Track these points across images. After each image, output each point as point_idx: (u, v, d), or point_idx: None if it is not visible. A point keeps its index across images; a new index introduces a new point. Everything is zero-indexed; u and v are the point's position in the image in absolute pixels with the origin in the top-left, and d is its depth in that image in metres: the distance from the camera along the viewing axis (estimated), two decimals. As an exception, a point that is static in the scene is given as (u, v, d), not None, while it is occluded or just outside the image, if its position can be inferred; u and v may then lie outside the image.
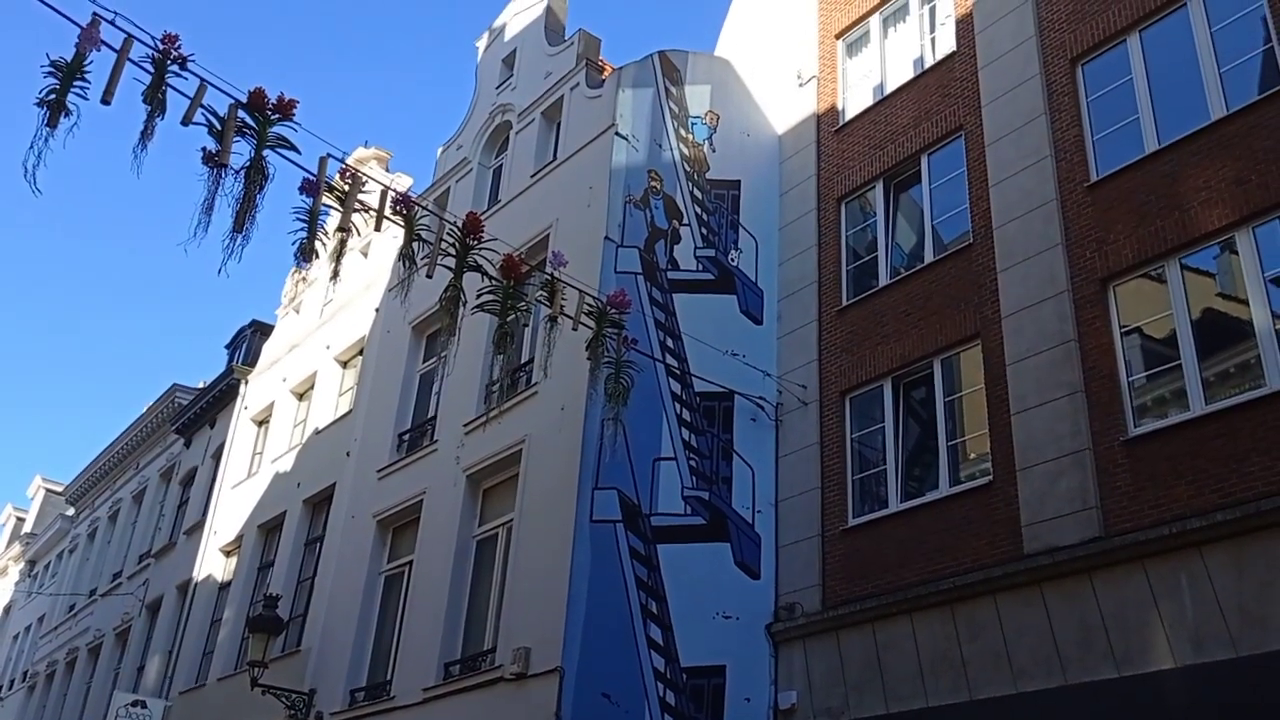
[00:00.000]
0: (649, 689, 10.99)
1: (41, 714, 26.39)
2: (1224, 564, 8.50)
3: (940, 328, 11.78)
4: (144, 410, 27.01)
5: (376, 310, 17.73)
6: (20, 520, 38.79)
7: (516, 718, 10.70)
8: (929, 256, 12.40)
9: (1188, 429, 9.17)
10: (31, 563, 34.19)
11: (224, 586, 19.14)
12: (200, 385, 24.70)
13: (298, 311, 21.84)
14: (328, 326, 19.58)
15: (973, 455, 11.25)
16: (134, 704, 17.97)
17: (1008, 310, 11.02)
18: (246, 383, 22.20)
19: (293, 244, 7.45)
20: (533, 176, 15.15)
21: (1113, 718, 8.71)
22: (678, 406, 12.59)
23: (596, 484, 11.53)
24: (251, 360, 23.03)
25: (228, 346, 26.10)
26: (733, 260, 14.02)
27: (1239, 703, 8.06)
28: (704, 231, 13.86)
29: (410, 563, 14.08)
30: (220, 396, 23.01)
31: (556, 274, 8.81)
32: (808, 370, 13.21)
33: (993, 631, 9.91)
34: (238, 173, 6.98)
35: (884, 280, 12.85)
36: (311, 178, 7.43)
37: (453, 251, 8.19)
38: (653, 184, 13.56)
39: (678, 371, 12.74)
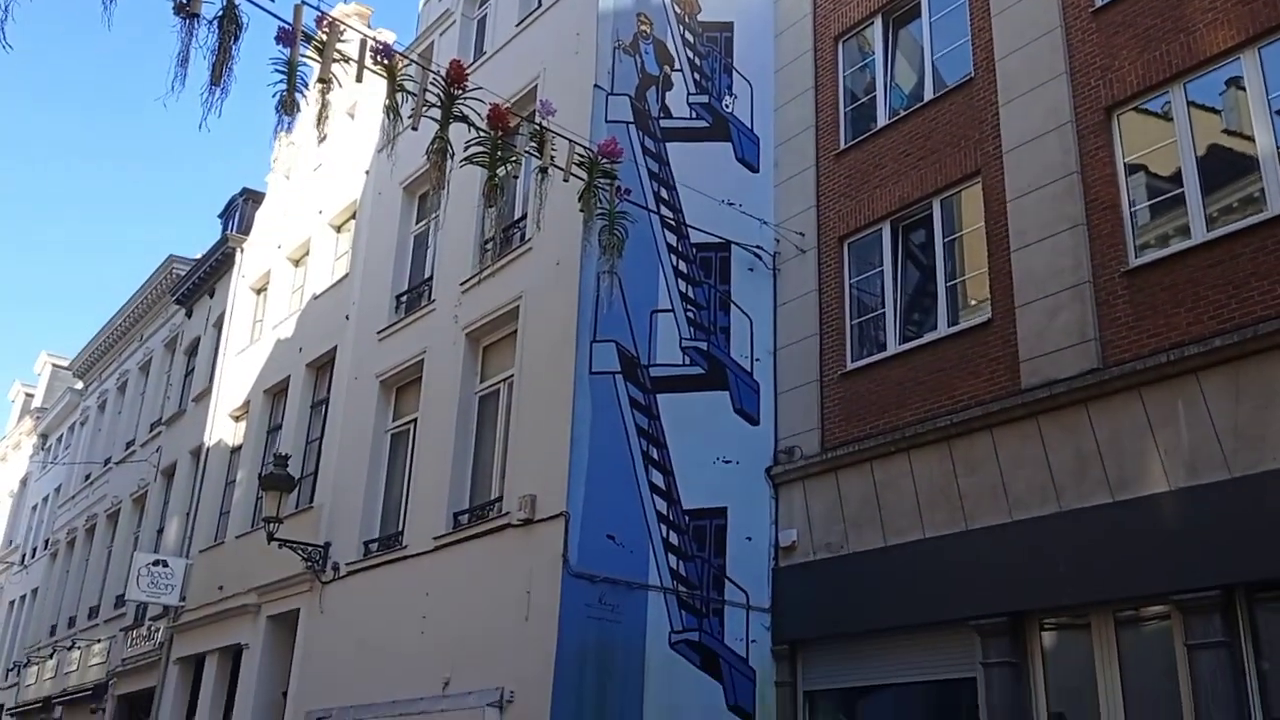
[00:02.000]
0: (652, 530, 11.27)
1: (65, 578, 27.21)
2: (1221, 389, 8.58)
3: (940, 167, 11.62)
4: (143, 282, 26.98)
5: (366, 172, 17.50)
6: (29, 396, 39.19)
7: (525, 561, 10.99)
8: (929, 94, 12.13)
9: (1188, 257, 9.13)
10: (44, 436, 34.69)
11: (235, 450, 19.46)
12: (197, 256, 24.57)
13: (288, 177, 21.58)
14: (319, 191, 19.37)
15: (971, 295, 11.25)
16: (155, 563, 18.52)
17: (1009, 145, 10.84)
18: (242, 251, 22.11)
19: (273, 96, 7.32)
20: (518, 25, 14.72)
21: (1107, 540, 8.94)
22: (674, 258, 12.54)
23: (594, 337, 11.56)
24: (245, 228, 22.90)
25: (221, 216, 25.91)
26: (727, 106, 13.74)
27: (1231, 521, 8.24)
28: (696, 77, 13.55)
29: (414, 420, 14.25)
30: (217, 266, 22.95)
31: (545, 123, 8.65)
32: (805, 217, 13.10)
33: (989, 465, 10.09)
34: (211, 23, 6.77)
35: (883, 121, 12.61)
36: (288, 27, 7.23)
37: (438, 103, 8.03)
38: (642, 28, 13.17)
39: (673, 223, 12.64)
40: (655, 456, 11.59)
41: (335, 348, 16.62)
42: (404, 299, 15.61)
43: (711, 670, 11.30)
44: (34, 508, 33.34)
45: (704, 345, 12.40)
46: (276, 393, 18.46)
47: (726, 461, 12.13)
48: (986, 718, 9.54)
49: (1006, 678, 9.47)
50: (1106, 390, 9.31)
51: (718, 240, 12.78)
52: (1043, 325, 9.98)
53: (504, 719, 10.61)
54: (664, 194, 12.65)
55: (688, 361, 12.24)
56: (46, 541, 29.95)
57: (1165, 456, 8.81)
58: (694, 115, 13.39)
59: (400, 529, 13.74)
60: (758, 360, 12.77)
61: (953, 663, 10.10)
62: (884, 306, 11.97)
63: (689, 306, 12.43)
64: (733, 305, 12.79)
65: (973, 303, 11.21)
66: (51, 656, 25.24)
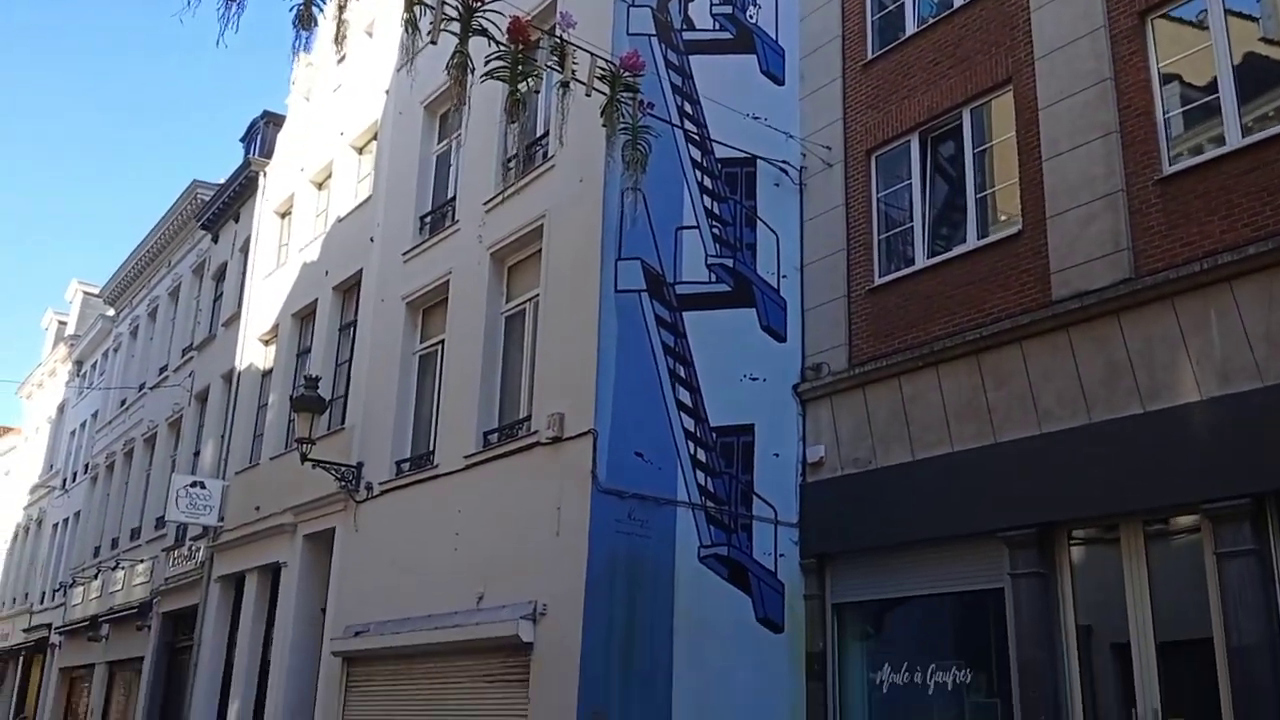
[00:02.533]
0: (680, 447, 11.33)
1: (106, 501, 27.80)
2: (1254, 296, 8.47)
3: (970, 75, 11.37)
4: (169, 208, 27.05)
5: (386, 92, 17.33)
6: (62, 324, 39.60)
7: (554, 478, 11.10)
8: (958, 0, 11.82)
9: (1223, 164, 8.94)
10: (79, 363, 35.16)
11: (266, 374, 19.66)
12: (221, 181, 24.56)
13: (308, 99, 21.44)
14: (339, 112, 19.23)
15: (1001, 206, 11.09)
16: (193, 485, 18.87)
17: (1041, 51, 10.58)
18: (265, 175, 22.08)
19: (290, 10, 7.23)
20: (537, -64, 14.39)
21: (1137, 451, 8.91)
22: (698, 174, 12.40)
23: (619, 255, 11.50)
24: (268, 152, 22.83)
25: (243, 140, 25.80)
26: (751, 17, 13.45)
27: (1262, 429, 8.19)
28: (720, -14, 13.24)
29: (442, 342, 14.32)
30: (240, 190, 22.95)
31: (566, 36, 8.50)
32: (832, 130, 12.89)
33: (1018, 378, 10.04)
34: (225, -65, 6.66)
35: (911, 29, 12.32)
36: (301, -63, 7.10)
37: (456, 16, 7.90)
38: (664, -63, 12.85)
39: (697, 138, 12.47)
40: (682, 374, 11.61)
41: (361, 270, 16.65)
42: (428, 220, 15.58)
43: (740, 583, 11.45)
44: (72, 433, 33.93)
45: (730, 262, 12.32)
46: (304, 316, 18.57)
47: (753, 379, 12.13)
48: (1014, 629, 9.64)
49: (1035, 589, 9.54)
50: (1138, 300, 9.20)
51: (743, 155, 12.62)
52: (1074, 236, 9.84)
53: (537, 630, 10.82)
54: (688, 108, 12.47)
55: (714, 279, 12.18)
56: (86, 466, 30.54)
57: (1197, 366, 8.74)
58: (718, 27, 13.13)
59: (431, 449, 13.89)
60: (784, 277, 12.68)
61: (980, 574, 10.18)
62: (912, 220, 11.82)
63: (714, 223, 12.32)
64: (759, 221, 12.67)
65: (1003, 215, 11.06)
66: (96, 577, 25.91)
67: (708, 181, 12.42)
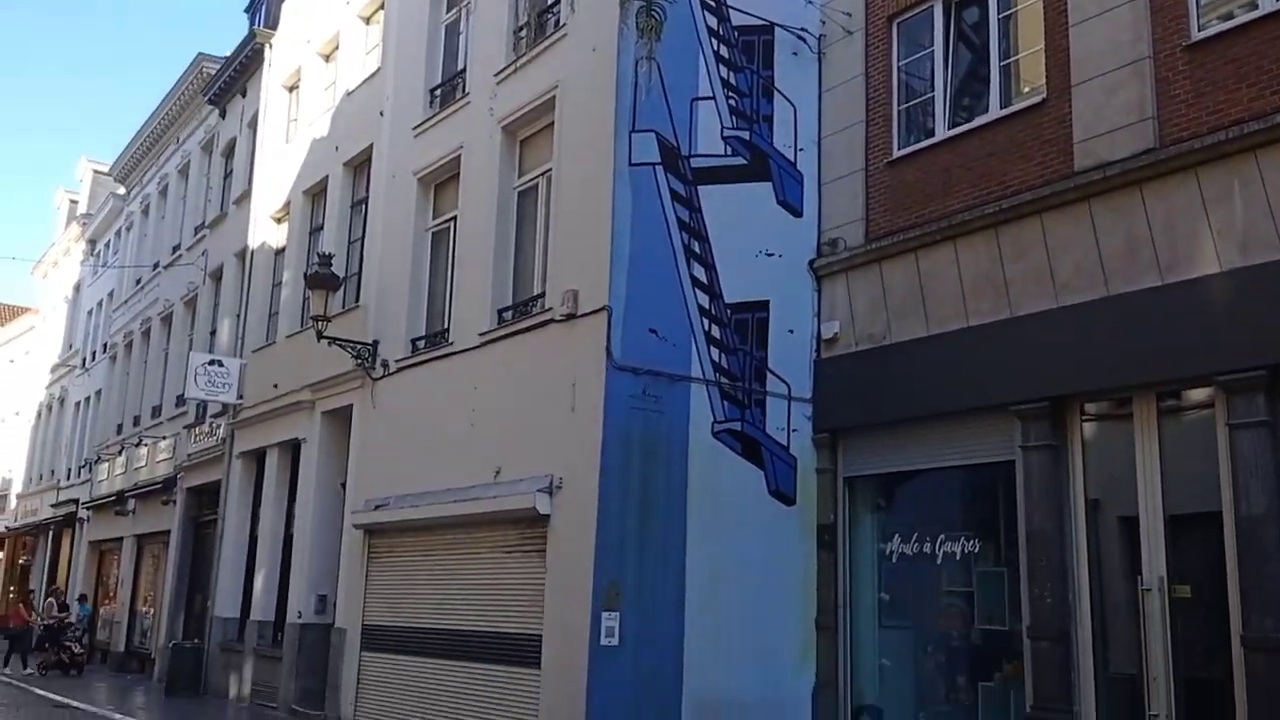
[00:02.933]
0: (694, 324, 11.33)
1: (126, 379, 28.13)
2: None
3: (995, -64, 10.95)
4: (175, 83, 26.63)
5: (394, -43, 16.84)
6: (74, 202, 39.46)
7: (568, 354, 11.15)
8: None
9: (1253, 30, 8.65)
10: (92, 242, 35.14)
11: (279, 252, 19.61)
12: (227, 54, 24.09)
13: (313, -34, 20.82)
14: (346, -20, 18.70)
15: (1025, 75, 10.80)
16: (211, 363, 19.03)
17: (1069, -89, 10.16)
18: (271, 47, 21.62)
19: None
20: None
21: (1154, 323, 8.87)
22: (714, 42, 12.08)
23: (633, 127, 11.30)
24: (273, 23, 22.29)
25: (247, 10, 25.22)
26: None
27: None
28: None
29: (454, 218, 14.22)
30: (247, 64, 22.53)
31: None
32: (852, -5, 12.50)
33: (1037, 251, 9.94)
34: None
35: (934, -113, 11.82)
36: None
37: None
38: None
39: (713, 3, 12.11)
40: (697, 250, 11.53)
41: (371, 145, 16.44)
42: (438, 93, 15.30)
43: (753, 458, 11.59)
44: (89, 313, 34.14)
45: (746, 135, 12.11)
46: (316, 193, 18.43)
47: (769, 254, 12.04)
48: (1023, 500, 9.76)
49: (1045, 461, 9.62)
50: (1162, 170, 9.03)
51: (760, 22, 12.28)
52: (1099, 104, 9.60)
53: (554, 503, 11.02)
54: (703, -27, 12.08)
55: (729, 152, 11.98)
56: (105, 345, 30.81)
57: (1218, 237, 8.63)
58: (734, -114, 12.62)
59: (446, 326, 13.93)
60: (801, 150, 12.47)
61: (992, 448, 10.26)
62: (933, 90, 11.54)
63: (730, 94, 12.07)
64: (776, 92, 12.40)
65: (1026, 85, 10.78)
66: (121, 453, 26.39)
67: (724, 50, 12.11)
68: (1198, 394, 8.97)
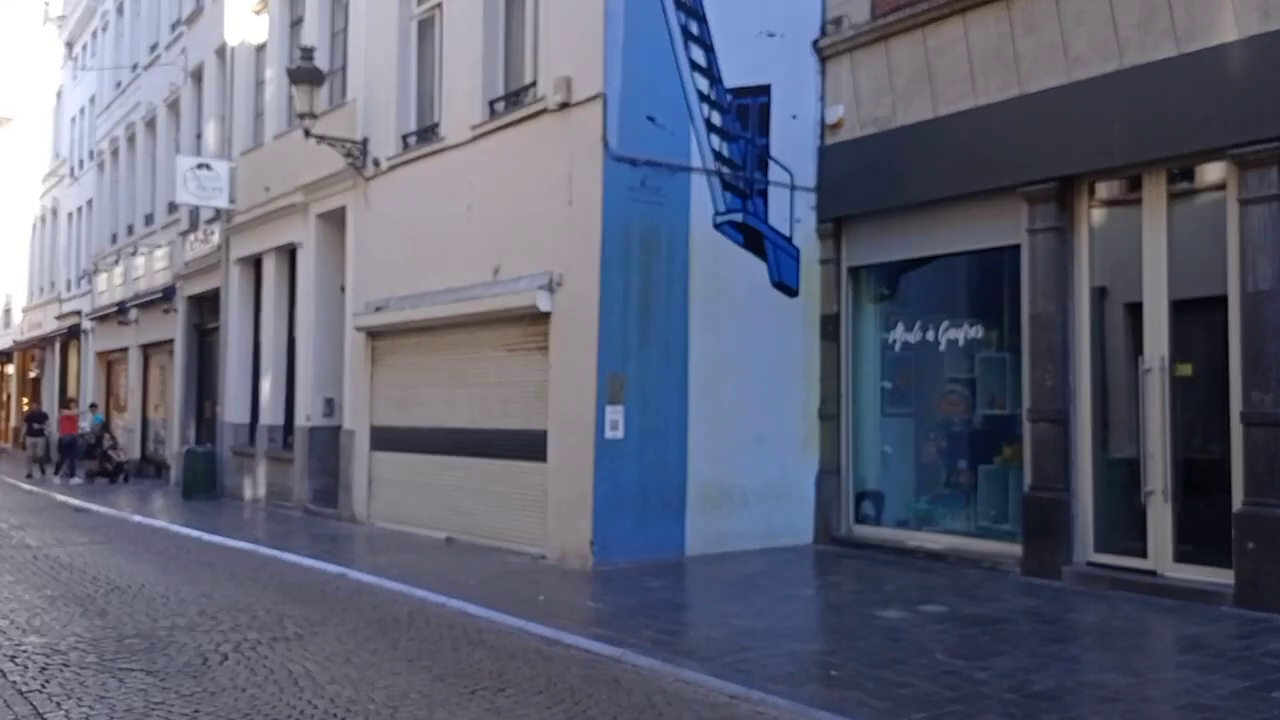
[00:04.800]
0: (693, 110, 10.95)
1: (116, 187, 27.66)
2: (1315, -79, 7.80)
3: None
4: None
5: None
6: (47, 4, 37.83)
7: (564, 146, 10.82)
8: None
9: None
10: (69, 45, 33.88)
11: (260, 48, 18.85)
12: None
13: None
14: None
15: None
16: (199, 166, 18.61)
17: None
18: None
19: None
20: None
21: (1167, 97, 8.53)
22: None
23: (625, -102, 10.59)
24: None
25: None
26: None
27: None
28: None
29: (440, 4, 13.55)
30: None
31: None
32: None
33: (1049, 22, 9.47)
34: None
35: None
36: None
37: None
38: None
39: None
40: (695, 31, 11.01)
41: (348, -73, 15.55)
42: None
43: (755, 249, 11.44)
44: (72, 120, 33.27)
45: (744, -95, 11.37)
46: (295, -18, 17.57)
47: (771, 35, 11.53)
48: (1028, 283, 9.65)
49: (1051, 244, 9.46)
50: (1187, -69, 8.49)
51: None
52: None
53: (555, 299, 10.93)
54: None
55: (727, -77, 11.28)
56: (91, 153, 30.15)
57: (1238, 2, 8.17)
58: None
59: (437, 120, 13.51)
60: (803, -77, 11.75)
61: (997, 232, 10.08)
62: None
63: None
64: None
65: None
66: (118, 263, 26.23)
67: None
68: (1208, 174, 8.72)
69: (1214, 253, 8.45)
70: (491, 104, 12.35)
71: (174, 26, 23.41)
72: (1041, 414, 9.45)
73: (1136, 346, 9.00)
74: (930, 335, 10.97)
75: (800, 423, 11.67)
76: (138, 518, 15.74)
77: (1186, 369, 8.70)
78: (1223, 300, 8.34)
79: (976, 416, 10.66)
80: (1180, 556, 8.59)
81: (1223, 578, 8.16)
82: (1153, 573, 8.68)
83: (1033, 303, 9.58)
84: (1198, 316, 8.79)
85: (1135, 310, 9.05)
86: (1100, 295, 9.45)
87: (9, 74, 40.60)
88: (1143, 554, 8.79)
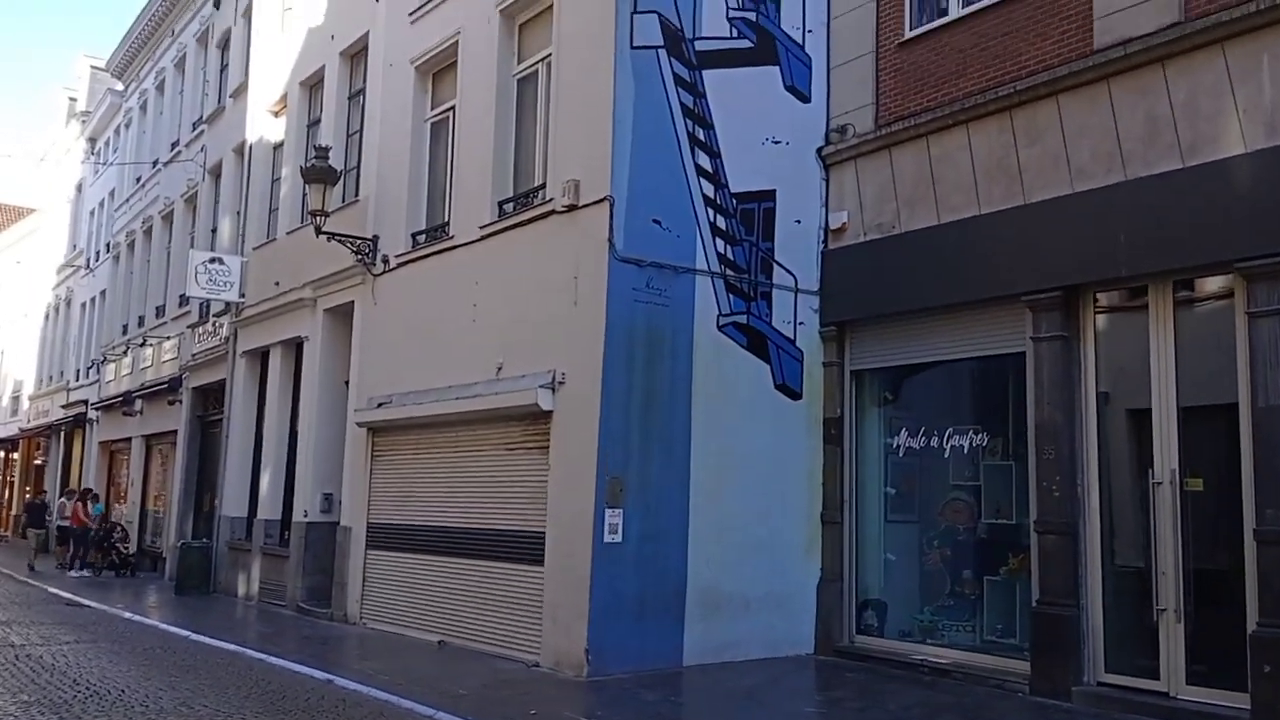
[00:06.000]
0: (699, 214, 11.02)
1: (130, 279, 27.92)
2: (1314, 40, 7.88)
3: None
4: (167, -27, 25.85)
5: None
6: (73, 100, 38.77)
7: (571, 246, 10.86)
8: None
9: (1293, -108, 8.13)
10: (92, 140, 34.61)
11: (277, 146, 19.19)
12: (218, -59, 23.29)
13: None
14: None
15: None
16: (212, 260, 18.79)
17: None
18: (262, -68, 20.85)
19: None
20: None
21: (1173, 209, 8.54)
22: (720, -83, 11.50)
23: (635, 8, 10.82)
24: (265, -92, 21.46)
25: (239, -104, 24.27)
26: None
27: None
28: None
29: (453, 108, 13.80)
30: (240, -49, 21.78)
31: None
32: None
33: (1052, 134, 9.55)
34: None
35: None
36: None
37: None
38: None
39: (719, -123, 11.50)
40: (701, 137, 11.15)
41: (367, 33, 15.92)
42: (434, -26, 14.71)
43: (759, 351, 11.39)
44: (91, 212, 33.80)
45: (752, 16, 11.62)
46: (313, 85, 17.95)
47: (776, 142, 11.67)
48: (1033, 392, 9.54)
49: (1056, 351, 9.38)
50: (1186, 46, 8.58)
51: (767, -104, 11.68)
52: (1123, -22, 9.11)
53: (557, 399, 10.85)
54: None
55: (735, 34, 11.51)
56: (108, 245, 30.54)
57: (1244, 116, 8.23)
58: None
59: (446, 219, 13.63)
60: (810, 32, 11.99)
61: (1002, 339, 10.03)
62: (948, -34, 11.01)
63: (736, -28, 11.53)
64: (783, -29, 11.86)
65: (1046, -41, 10.23)
66: (127, 354, 26.33)
67: (729, -73, 11.54)
68: (1215, 283, 8.68)
69: (1223, 360, 8.37)
70: (501, 204, 12.47)
71: (195, 125, 23.90)
72: (1049, 525, 9.25)
73: (1145, 455, 8.84)
74: (934, 441, 10.83)
75: (803, 528, 11.47)
76: (128, 614, 15.44)
77: (1198, 483, 8.52)
78: (1233, 408, 8.22)
79: (981, 525, 10.45)
80: (1193, 678, 8.30)
81: (1238, 701, 7.87)
82: (1165, 694, 8.38)
83: (1038, 411, 9.46)
84: (1208, 425, 8.65)
85: (1143, 417, 8.91)
86: (1106, 401, 9.33)
87: (36, 167, 41.34)
88: (1155, 674, 8.50)
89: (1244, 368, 8.15)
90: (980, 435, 10.44)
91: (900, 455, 11.23)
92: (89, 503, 24.05)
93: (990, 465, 10.36)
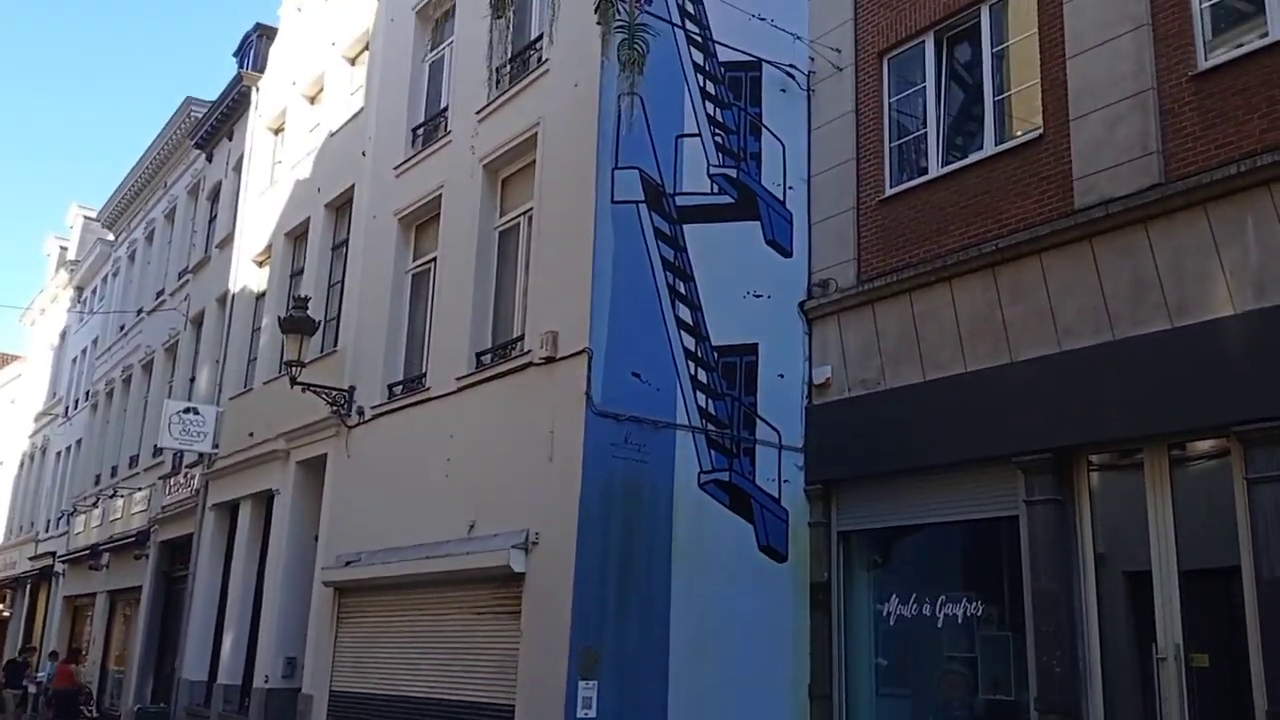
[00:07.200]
0: (679, 367, 10.77)
1: (106, 428, 27.49)
2: (1297, 200, 7.79)
3: (989, -32, 10.55)
4: (163, 127, 26.34)
5: (378, -2, 16.53)
6: (64, 249, 39.05)
7: (548, 399, 10.57)
8: (977, -114, 10.95)
9: (1264, 57, 8.17)
10: (79, 289, 34.69)
11: (260, 296, 19.12)
12: (215, 98, 23.78)
13: (300, 9, 20.59)
14: (331, 22, 18.44)
15: (1022, 110, 10.33)
16: (186, 411, 18.44)
17: (1066, -60, 9.75)
18: (258, 90, 21.33)
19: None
20: None
21: (1163, 370, 8.31)
22: (700, 78, 11.66)
23: (616, 164, 10.84)
24: (261, 66, 22.03)
25: (236, 54, 24.95)
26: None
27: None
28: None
29: (434, 259, 13.73)
30: (234, 106, 22.22)
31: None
32: (842, 31, 12.10)
33: (1037, 292, 9.40)
34: None
35: (926, -79, 11.45)
36: None
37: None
38: None
39: (699, 39, 11.72)
40: (682, 290, 11.01)
41: (353, 186, 16.03)
42: (420, 132, 14.88)
43: (742, 511, 10.96)
44: (73, 360, 33.60)
45: (733, 172, 11.64)
46: (297, 236, 18.00)
47: (757, 295, 11.52)
48: (1028, 559, 9.12)
49: (1051, 516, 8.99)
50: (1168, 208, 8.51)
51: (748, 58, 11.87)
52: (1100, 139, 9.11)
53: (529, 561, 10.37)
54: (689, 7, 11.69)
55: (716, 190, 11.51)
56: (87, 393, 30.22)
57: (1230, 277, 8.08)
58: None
59: (423, 371, 13.38)
60: (791, 188, 12.00)
61: (993, 501, 9.64)
62: (925, 126, 11.09)
63: (717, 131, 11.61)
64: (764, 129, 11.95)
65: (1022, 120, 10.31)
66: (97, 505, 25.69)
67: (710, 86, 11.68)
68: (1213, 444, 8.37)
69: (1224, 524, 7.99)
70: (479, 355, 12.24)
71: (180, 274, 23.93)
72: (1051, 705, 8.66)
73: (1147, 624, 8.36)
74: (927, 609, 10.30)
75: (789, 702, 10.78)
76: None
77: (1203, 660, 8.03)
78: (1235, 571, 7.81)
79: (979, 701, 9.83)
80: None
81: None
82: None
83: (1035, 580, 9.01)
84: (1211, 590, 8.22)
85: (1143, 581, 8.47)
86: (1103, 564, 8.89)
87: (21, 316, 41.37)
88: None
89: (1245, 536, 7.77)
90: (975, 603, 9.93)
91: (891, 623, 10.67)
92: (78, 662, 23.02)
93: (986, 636, 9.82)
